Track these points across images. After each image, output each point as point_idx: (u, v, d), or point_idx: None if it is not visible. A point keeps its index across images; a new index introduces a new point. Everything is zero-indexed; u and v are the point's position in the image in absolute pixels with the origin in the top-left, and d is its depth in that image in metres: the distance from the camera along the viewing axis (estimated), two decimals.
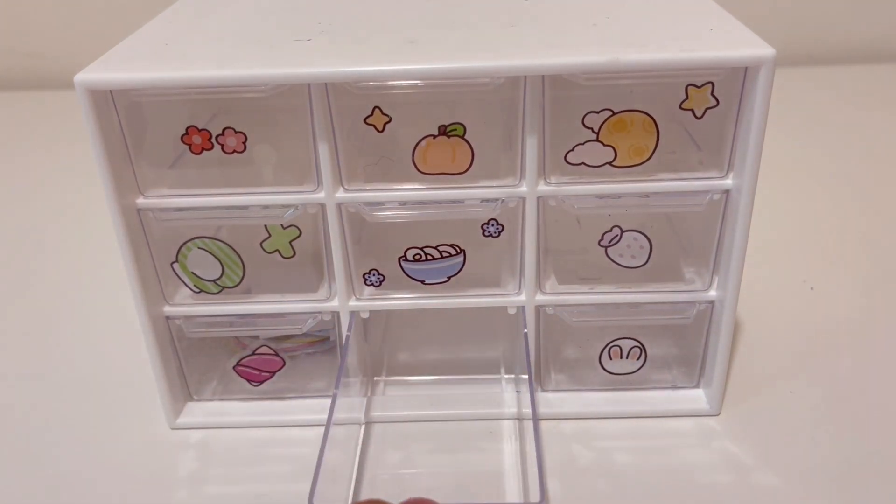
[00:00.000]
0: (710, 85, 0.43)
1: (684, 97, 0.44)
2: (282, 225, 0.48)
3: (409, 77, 0.43)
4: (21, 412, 0.56)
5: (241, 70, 0.43)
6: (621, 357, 0.53)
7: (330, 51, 0.45)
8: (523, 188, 0.47)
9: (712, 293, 0.50)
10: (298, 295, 0.51)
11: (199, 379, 0.55)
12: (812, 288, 0.66)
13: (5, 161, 1.00)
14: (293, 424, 0.53)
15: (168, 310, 0.51)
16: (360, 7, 0.53)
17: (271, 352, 0.54)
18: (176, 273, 0.50)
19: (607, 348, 0.53)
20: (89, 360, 0.61)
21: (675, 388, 0.55)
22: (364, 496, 0.48)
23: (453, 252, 0.49)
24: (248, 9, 0.54)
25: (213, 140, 0.45)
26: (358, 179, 0.47)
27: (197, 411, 0.55)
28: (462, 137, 0.45)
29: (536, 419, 0.43)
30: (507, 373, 0.56)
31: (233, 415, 0.54)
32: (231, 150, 0.46)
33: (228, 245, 0.49)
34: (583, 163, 0.46)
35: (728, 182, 0.46)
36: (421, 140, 0.45)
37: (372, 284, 0.51)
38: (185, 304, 0.51)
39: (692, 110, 0.45)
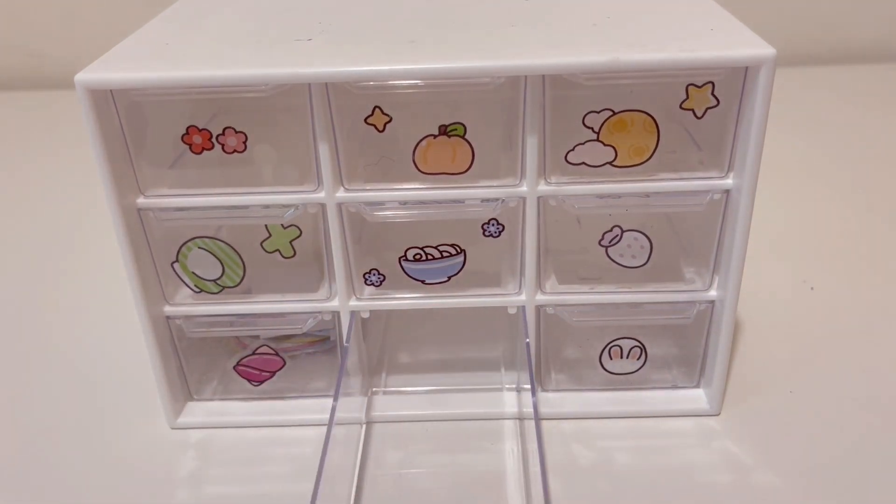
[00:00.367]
0: (710, 85, 0.43)
1: (685, 97, 0.44)
2: (282, 225, 0.48)
3: (410, 77, 0.43)
4: (21, 412, 0.56)
5: (241, 70, 0.43)
6: (621, 357, 0.53)
7: (330, 50, 0.45)
8: (524, 188, 0.47)
9: (712, 293, 0.50)
10: (299, 295, 0.51)
11: (200, 379, 0.55)
12: (812, 288, 0.66)
13: (5, 161, 1.00)
14: (293, 424, 0.53)
15: (168, 309, 0.51)
16: (361, 7, 0.53)
17: (271, 351, 0.54)
18: (176, 273, 0.50)
19: (607, 348, 0.53)
20: (90, 359, 0.61)
21: (675, 387, 0.55)
22: (365, 496, 0.48)
23: (454, 252, 0.49)
24: (248, 8, 0.54)
25: (214, 140, 0.45)
26: (358, 179, 0.47)
27: (197, 411, 0.55)
28: (462, 137, 0.45)
29: (538, 420, 0.43)
30: (507, 372, 0.56)
31: (233, 414, 0.54)
32: (231, 150, 0.46)
33: (229, 245, 0.49)
34: (583, 162, 0.46)
35: (728, 182, 0.46)
36: (421, 140, 0.45)
37: (372, 284, 0.51)
38: (185, 304, 0.51)
39: (692, 110, 0.45)
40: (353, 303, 0.51)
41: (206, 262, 0.49)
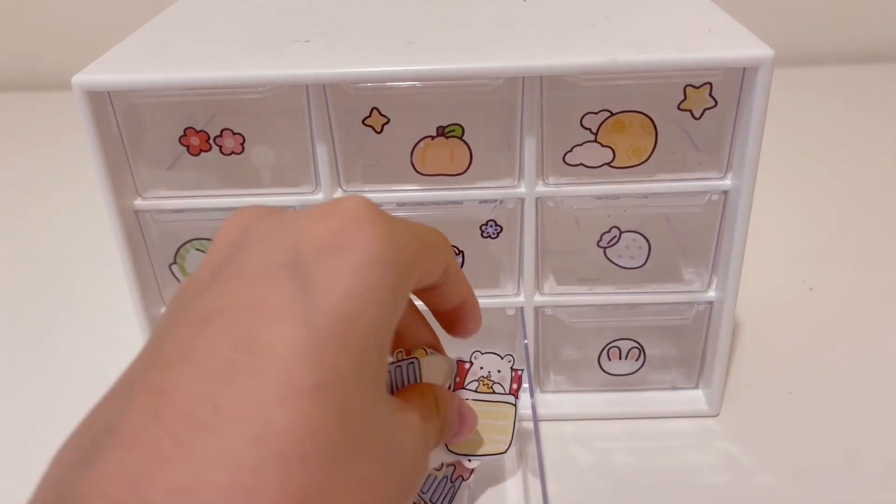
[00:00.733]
0: (708, 85, 0.43)
1: (683, 98, 0.44)
2: None
3: (408, 78, 0.43)
4: (18, 414, 0.56)
5: (238, 71, 0.42)
6: (620, 358, 0.53)
7: (328, 52, 0.45)
8: (522, 189, 0.47)
9: (711, 294, 0.50)
10: None
11: None
12: (811, 288, 0.66)
13: (2, 163, 1.00)
14: None
15: None
16: (358, 8, 0.52)
17: None
18: (174, 275, 0.50)
19: (606, 349, 0.53)
20: (87, 362, 0.61)
21: (674, 388, 0.55)
22: None
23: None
24: (246, 10, 0.53)
25: (212, 141, 0.45)
26: (356, 181, 0.47)
27: None
28: (460, 138, 0.45)
29: (536, 421, 0.43)
30: None
31: None
32: (229, 152, 0.46)
33: None
34: (581, 164, 0.46)
35: (727, 182, 0.46)
36: (419, 141, 0.45)
37: None
38: None
39: (690, 111, 0.45)
40: None
41: None
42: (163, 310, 0.51)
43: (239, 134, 0.45)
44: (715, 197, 0.47)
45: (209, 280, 0.29)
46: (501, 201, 0.47)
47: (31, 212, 0.86)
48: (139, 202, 0.47)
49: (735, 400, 0.54)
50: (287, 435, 0.24)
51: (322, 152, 0.45)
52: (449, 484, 0.44)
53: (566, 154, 0.46)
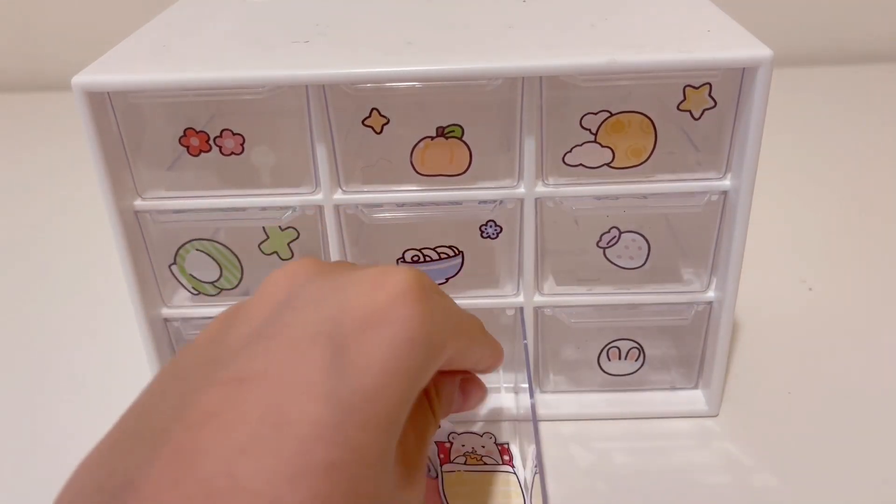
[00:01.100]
0: (707, 86, 0.43)
1: (682, 98, 0.44)
2: (280, 227, 0.48)
3: (407, 78, 0.43)
4: (17, 414, 0.56)
5: (238, 72, 0.43)
6: (620, 358, 0.53)
7: (327, 52, 0.45)
8: (521, 189, 0.47)
9: (711, 294, 0.50)
10: None
11: None
12: (811, 288, 0.66)
13: (2, 163, 1.00)
14: None
15: (166, 312, 0.51)
16: (358, 9, 0.53)
17: None
18: (174, 275, 0.50)
19: (606, 349, 0.53)
20: (86, 362, 0.61)
21: (673, 389, 0.55)
22: None
23: (452, 254, 0.49)
24: (245, 11, 0.54)
25: (212, 142, 0.45)
26: (356, 181, 0.47)
27: None
28: (460, 139, 0.45)
29: (536, 421, 0.43)
30: (505, 374, 0.56)
31: None
32: (229, 152, 0.46)
33: (226, 247, 0.49)
34: (581, 164, 0.46)
35: (726, 183, 0.46)
36: (419, 141, 0.45)
37: None
38: (183, 306, 0.51)
39: (690, 111, 0.45)
40: None
41: (203, 264, 0.49)
42: (163, 310, 0.51)
43: (239, 134, 0.45)
44: (714, 197, 0.47)
45: (251, 337, 0.30)
46: (501, 202, 0.47)
47: (31, 212, 0.86)
48: (139, 202, 0.47)
49: (734, 400, 0.54)
50: None
51: (322, 153, 0.45)
52: None
53: (566, 154, 0.46)
